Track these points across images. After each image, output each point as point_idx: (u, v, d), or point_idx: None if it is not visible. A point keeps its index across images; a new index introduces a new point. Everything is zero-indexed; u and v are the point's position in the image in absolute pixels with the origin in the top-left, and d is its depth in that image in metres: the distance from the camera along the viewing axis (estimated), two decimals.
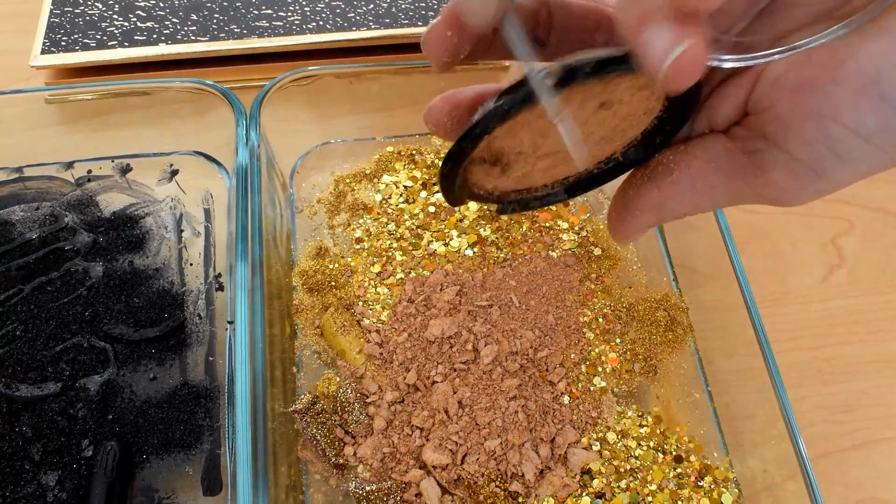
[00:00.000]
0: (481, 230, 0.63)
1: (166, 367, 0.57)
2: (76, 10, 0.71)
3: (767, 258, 0.69)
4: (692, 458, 0.56)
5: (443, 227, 0.63)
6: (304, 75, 0.61)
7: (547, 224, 0.64)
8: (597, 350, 0.59)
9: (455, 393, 0.55)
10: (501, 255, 0.62)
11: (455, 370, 0.56)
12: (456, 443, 0.54)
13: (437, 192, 0.64)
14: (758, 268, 0.69)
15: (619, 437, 0.56)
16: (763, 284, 0.68)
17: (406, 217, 0.63)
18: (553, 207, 0.64)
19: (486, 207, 0.64)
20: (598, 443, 0.55)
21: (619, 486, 0.54)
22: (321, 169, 0.66)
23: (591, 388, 0.57)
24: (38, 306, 0.58)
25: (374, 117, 0.68)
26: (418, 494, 0.53)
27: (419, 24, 0.72)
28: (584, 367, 0.58)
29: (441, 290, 0.60)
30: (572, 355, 0.58)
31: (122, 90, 0.62)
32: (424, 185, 0.64)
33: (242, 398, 0.49)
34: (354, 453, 0.54)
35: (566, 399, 0.56)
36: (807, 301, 0.68)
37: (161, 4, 0.72)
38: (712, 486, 0.55)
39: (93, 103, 0.65)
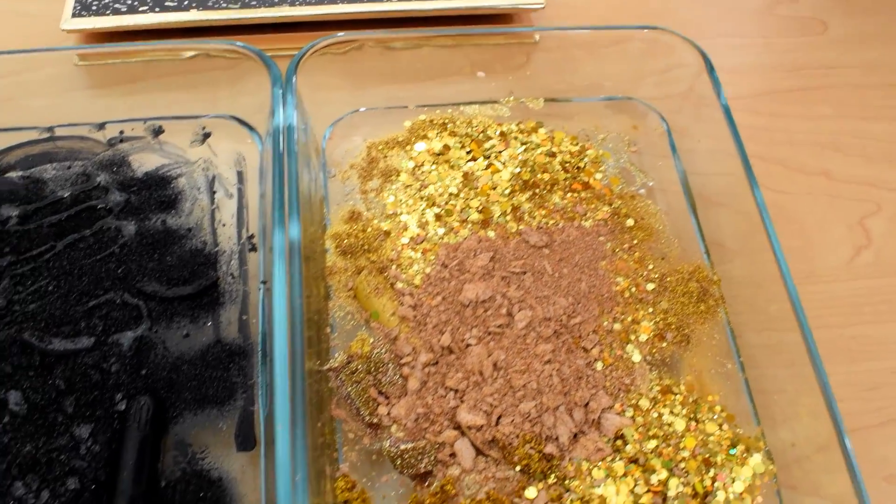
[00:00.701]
0: (514, 198, 0.63)
1: (199, 324, 0.57)
2: None
3: (794, 238, 0.70)
4: (724, 426, 0.56)
5: (475, 194, 0.63)
6: (340, 41, 0.61)
7: (580, 194, 0.64)
8: (629, 319, 0.59)
9: (490, 355, 0.55)
10: (534, 224, 0.62)
11: (489, 333, 0.56)
12: (491, 404, 0.54)
13: (469, 159, 0.64)
14: (784, 247, 0.69)
15: (652, 404, 0.56)
16: (789, 263, 0.68)
17: (438, 184, 0.63)
18: (586, 179, 0.65)
19: (520, 178, 0.64)
20: (630, 409, 0.55)
21: (652, 453, 0.54)
22: (353, 136, 0.66)
23: (624, 356, 0.57)
24: (70, 263, 0.58)
25: (406, 88, 0.68)
26: (452, 455, 0.53)
27: None
28: (617, 335, 0.58)
29: (474, 255, 0.60)
30: (605, 323, 0.58)
31: (157, 50, 0.62)
32: (457, 153, 0.65)
33: (281, 356, 0.49)
34: (388, 413, 0.54)
35: (599, 365, 0.56)
36: (833, 280, 0.68)
37: None
38: (745, 455, 0.55)
39: (124, 67, 0.65)
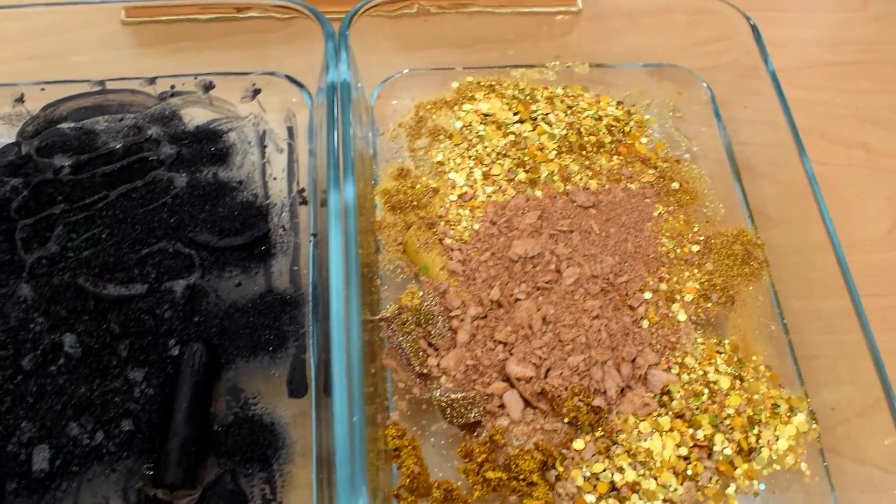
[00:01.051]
0: (561, 160, 0.63)
1: (251, 274, 0.57)
2: None
3: (834, 209, 0.69)
4: (768, 386, 0.56)
5: (523, 154, 0.63)
6: (392, 0, 0.62)
7: (626, 157, 0.64)
8: (675, 279, 0.59)
9: (539, 310, 0.56)
10: (581, 185, 0.62)
11: (538, 289, 0.57)
12: (540, 357, 0.54)
13: (517, 119, 0.65)
14: None
15: (697, 362, 0.56)
16: None
17: (486, 144, 0.63)
18: (631, 142, 0.65)
19: (566, 140, 0.64)
20: (676, 367, 0.56)
21: (697, 409, 0.54)
22: (402, 95, 0.67)
23: (670, 315, 0.58)
24: (123, 212, 0.59)
25: (453, 51, 0.69)
26: (501, 406, 0.54)
27: None
28: (662, 295, 0.58)
29: (522, 213, 0.60)
30: (651, 282, 0.59)
31: (210, 5, 0.63)
32: (504, 115, 0.65)
33: (337, 307, 0.49)
34: (438, 364, 0.55)
35: (645, 323, 0.57)
36: (872, 251, 0.68)
37: None
38: (788, 414, 0.55)
39: (169, 26, 0.66)
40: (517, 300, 0.56)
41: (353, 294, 0.50)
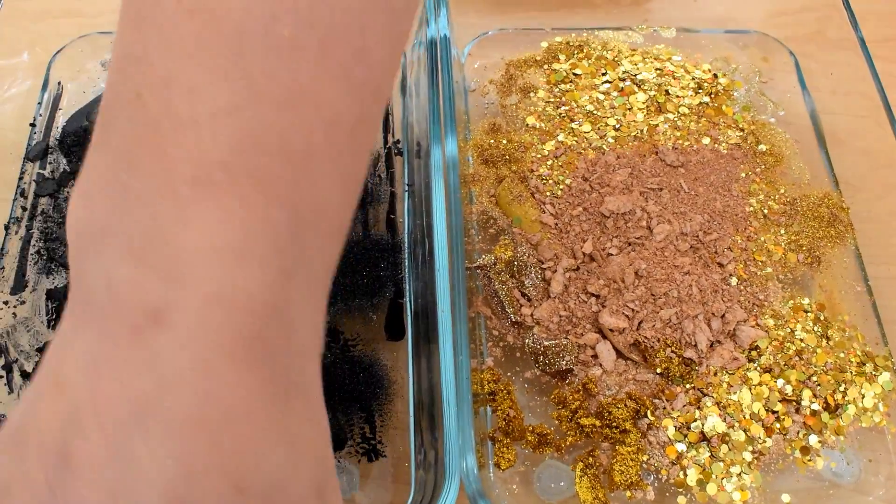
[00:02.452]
0: (649, 120, 0.64)
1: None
2: None
3: None
4: (854, 344, 0.57)
5: (613, 112, 0.64)
6: None
7: (713, 119, 0.65)
8: (762, 238, 0.60)
9: (631, 264, 0.57)
10: (670, 145, 0.63)
11: (629, 244, 0.58)
12: (632, 310, 0.55)
13: (605, 80, 0.66)
14: None
15: (784, 320, 0.57)
16: None
17: (575, 102, 0.64)
18: (719, 105, 0.66)
19: (655, 101, 0.65)
20: (764, 323, 0.57)
21: (785, 365, 0.55)
22: (492, 54, 0.68)
23: (758, 273, 0.58)
24: None
25: (541, 13, 0.69)
26: (594, 356, 0.55)
27: None
28: (750, 253, 0.59)
29: (613, 171, 0.61)
30: (739, 241, 0.59)
31: None
32: (593, 74, 0.66)
33: (441, 252, 0.51)
34: (532, 314, 0.56)
35: (734, 281, 0.58)
36: None
37: None
38: (874, 373, 0.56)
39: None
40: (609, 254, 0.57)
41: (457, 242, 0.52)
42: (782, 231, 0.61)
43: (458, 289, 0.51)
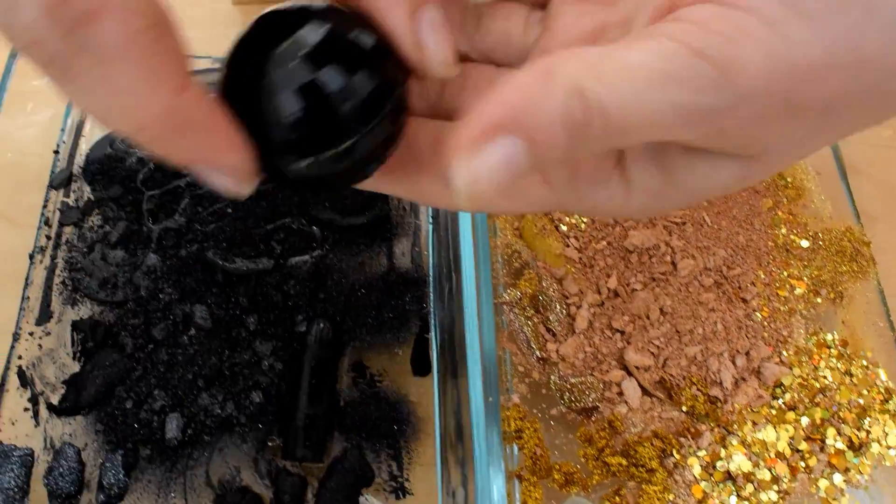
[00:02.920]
0: None
1: (374, 253, 0.59)
2: None
3: None
4: (878, 381, 0.57)
5: None
6: None
7: None
8: (785, 273, 0.60)
9: (656, 300, 0.57)
10: None
11: (654, 280, 0.58)
12: (658, 347, 0.56)
13: None
14: None
15: (808, 356, 0.57)
16: None
17: None
18: None
19: None
20: (787, 360, 0.57)
21: (809, 402, 0.55)
22: None
23: (781, 309, 0.59)
24: None
25: None
26: (619, 393, 0.55)
27: None
28: (773, 288, 0.59)
29: None
30: (762, 276, 0.60)
31: None
32: None
33: (469, 287, 0.51)
34: (557, 350, 0.56)
35: (757, 316, 0.58)
36: None
37: None
38: None
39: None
40: (634, 290, 0.57)
41: (484, 276, 0.52)
42: (805, 266, 0.61)
43: (486, 324, 0.51)
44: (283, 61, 0.23)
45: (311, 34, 0.23)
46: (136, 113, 0.21)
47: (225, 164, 0.23)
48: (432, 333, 0.56)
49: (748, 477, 0.53)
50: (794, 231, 0.62)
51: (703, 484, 0.52)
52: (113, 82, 0.20)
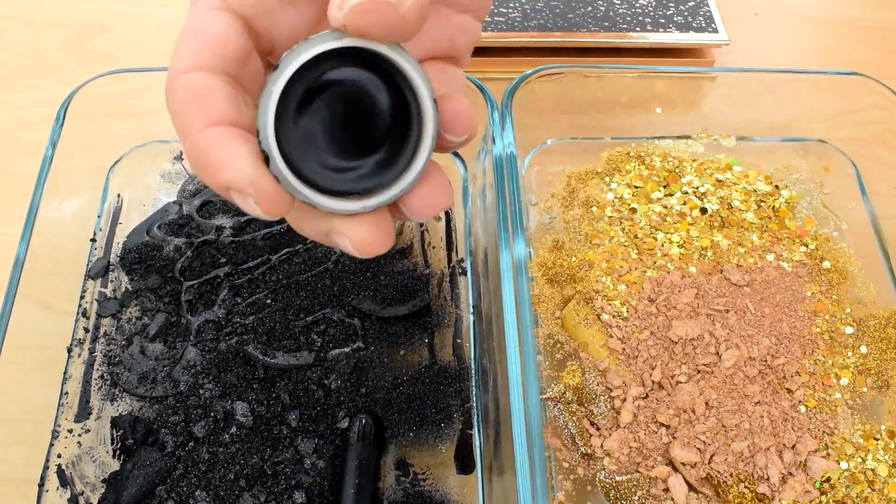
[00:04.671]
0: (713, 234, 0.64)
1: (415, 345, 0.58)
2: None
3: None
4: None
5: (675, 228, 0.63)
6: (552, 72, 0.62)
7: (777, 234, 0.65)
8: (830, 362, 0.59)
9: (701, 394, 0.56)
10: (734, 261, 0.62)
11: (698, 371, 0.57)
12: (704, 442, 0.55)
13: (667, 193, 0.65)
14: None
15: (855, 449, 0.56)
16: None
17: (638, 216, 0.64)
18: (782, 218, 0.65)
19: (718, 215, 0.65)
20: (835, 453, 0.56)
21: (858, 497, 0.54)
22: (550, 164, 0.67)
23: (827, 399, 0.58)
24: (286, 277, 0.59)
25: (596, 119, 0.69)
26: (665, 490, 0.54)
27: (636, 29, 0.73)
28: (818, 378, 0.59)
29: (679, 291, 0.60)
30: (807, 365, 0.59)
31: None
32: (654, 187, 0.65)
33: (514, 380, 0.50)
34: (601, 445, 0.55)
35: (803, 408, 0.57)
36: None
37: None
38: None
39: None
40: (678, 382, 0.57)
41: (529, 370, 0.51)
42: (850, 353, 0.60)
43: (533, 420, 0.50)
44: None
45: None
46: (185, 150, 0.28)
47: (233, 184, 0.27)
48: (475, 429, 0.55)
49: None
50: (838, 317, 0.61)
51: None
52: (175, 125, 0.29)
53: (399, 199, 0.29)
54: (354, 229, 0.29)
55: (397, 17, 0.26)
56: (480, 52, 0.72)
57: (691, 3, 0.75)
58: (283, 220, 0.60)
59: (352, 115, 0.27)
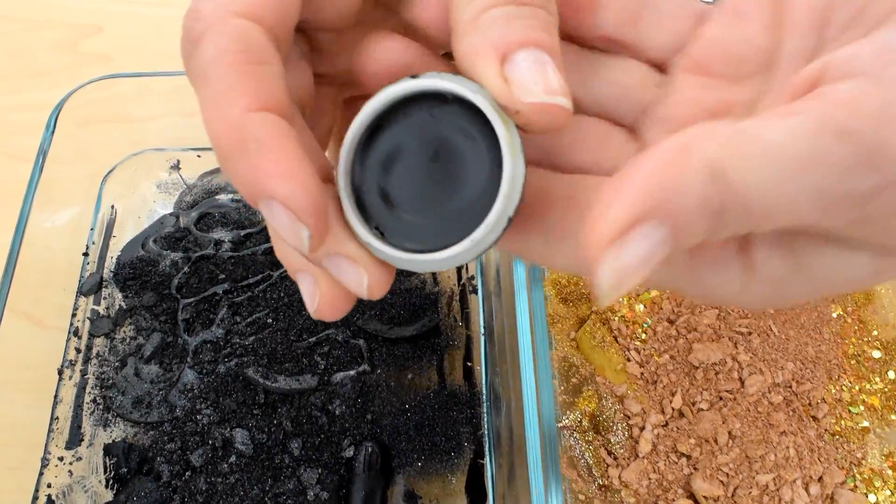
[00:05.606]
0: None
1: (423, 368, 0.55)
2: None
3: None
4: None
5: None
6: None
7: None
8: (857, 387, 0.57)
9: (724, 422, 0.53)
10: None
11: (721, 399, 0.55)
12: (727, 474, 0.52)
13: None
14: None
15: (884, 481, 0.54)
16: None
17: None
18: None
19: None
20: (863, 484, 0.54)
21: None
22: None
23: (854, 427, 0.55)
24: (288, 294, 0.57)
25: None
26: None
27: None
28: (845, 404, 0.56)
29: (700, 312, 0.58)
30: (833, 390, 0.56)
31: None
32: None
33: (530, 407, 0.47)
34: (619, 476, 0.52)
35: (829, 437, 0.55)
36: None
37: None
38: None
39: None
40: (700, 410, 0.54)
41: (545, 395, 0.48)
42: (877, 378, 0.57)
43: (549, 448, 0.48)
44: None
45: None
46: (211, 126, 0.21)
47: (279, 194, 0.21)
48: (487, 458, 0.53)
49: None
50: (865, 340, 0.59)
51: None
52: (202, 94, 0.21)
53: None
54: (378, 271, 0.25)
55: (565, 117, 0.23)
56: None
57: None
58: None
59: (431, 160, 0.24)
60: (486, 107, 0.23)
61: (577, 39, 0.26)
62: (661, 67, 0.27)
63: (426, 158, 0.24)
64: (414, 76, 0.23)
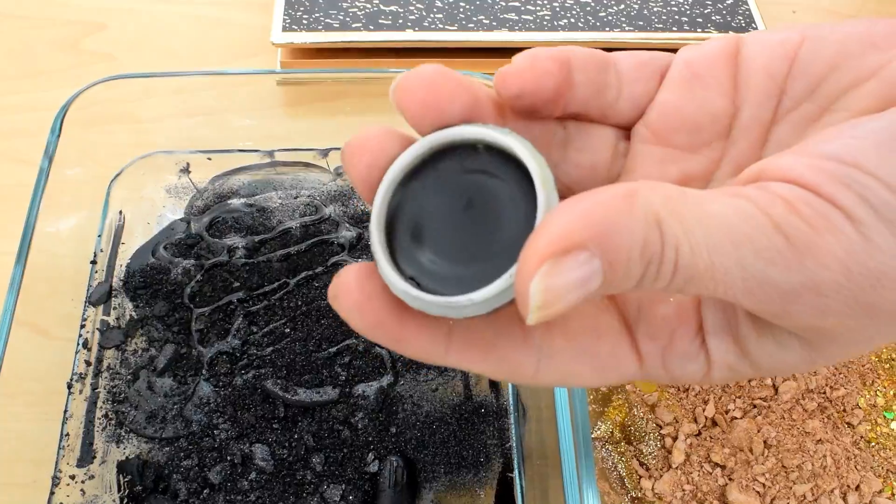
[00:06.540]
0: None
1: (448, 378, 0.53)
2: None
3: None
4: None
5: None
6: None
7: None
8: (892, 392, 0.55)
9: (759, 431, 0.52)
10: None
11: (754, 406, 0.53)
12: (763, 485, 0.51)
13: None
14: None
15: None
16: None
17: None
18: None
19: None
20: None
21: None
22: None
23: (890, 434, 0.54)
24: (305, 303, 0.55)
25: None
26: None
27: (673, 28, 0.68)
28: (880, 410, 0.54)
29: None
30: (867, 395, 0.55)
31: (356, 78, 0.58)
32: None
33: (563, 419, 0.46)
34: (652, 488, 0.51)
35: (864, 444, 0.53)
36: None
37: None
38: None
39: (325, 86, 0.62)
40: (733, 418, 0.52)
41: (579, 404, 0.47)
42: None
43: (585, 460, 0.46)
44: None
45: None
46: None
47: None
48: (517, 471, 0.51)
49: None
50: None
51: None
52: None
53: None
54: None
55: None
56: (507, 52, 0.68)
57: (729, 1, 0.70)
58: (302, 239, 0.55)
59: (465, 210, 0.23)
60: (518, 147, 0.22)
61: (545, 118, 0.26)
62: (628, 131, 0.28)
63: (460, 209, 0.23)
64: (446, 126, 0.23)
